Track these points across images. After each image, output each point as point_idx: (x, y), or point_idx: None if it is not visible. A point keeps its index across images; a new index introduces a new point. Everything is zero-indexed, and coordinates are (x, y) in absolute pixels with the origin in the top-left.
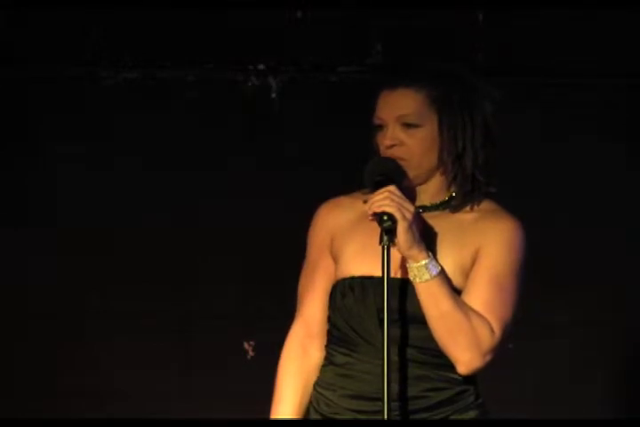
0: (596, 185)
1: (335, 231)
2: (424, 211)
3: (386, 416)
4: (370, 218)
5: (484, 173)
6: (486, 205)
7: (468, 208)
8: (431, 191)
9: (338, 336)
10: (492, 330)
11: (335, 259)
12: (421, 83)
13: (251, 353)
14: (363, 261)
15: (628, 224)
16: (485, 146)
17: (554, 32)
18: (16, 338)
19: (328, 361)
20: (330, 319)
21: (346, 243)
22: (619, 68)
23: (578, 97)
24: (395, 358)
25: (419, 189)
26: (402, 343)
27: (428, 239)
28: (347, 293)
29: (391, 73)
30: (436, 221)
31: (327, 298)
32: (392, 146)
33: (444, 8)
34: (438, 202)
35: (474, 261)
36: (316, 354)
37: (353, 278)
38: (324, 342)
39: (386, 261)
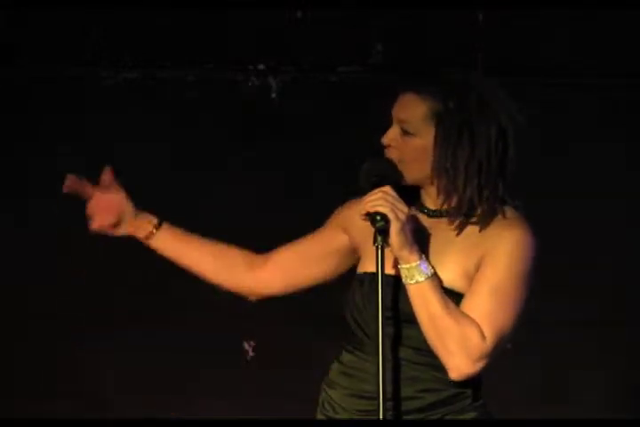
0: (596, 185)
1: (355, 226)
2: (431, 215)
3: (381, 416)
4: (362, 218)
5: (479, 194)
6: (502, 213)
7: (478, 215)
8: (434, 197)
9: (349, 334)
10: (483, 337)
11: (356, 253)
12: (431, 92)
13: (251, 353)
14: None
15: (628, 224)
16: (483, 166)
17: (554, 32)
18: (16, 338)
19: (336, 359)
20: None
21: (366, 240)
22: (619, 68)
23: (578, 97)
24: (391, 357)
25: (423, 192)
26: (399, 343)
27: (433, 242)
28: (356, 288)
29: (409, 75)
30: (444, 225)
31: (301, 249)
32: (388, 146)
33: (444, 8)
34: (442, 209)
35: (478, 268)
36: (243, 259)
37: (365, 274)
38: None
39: (383, 261)
